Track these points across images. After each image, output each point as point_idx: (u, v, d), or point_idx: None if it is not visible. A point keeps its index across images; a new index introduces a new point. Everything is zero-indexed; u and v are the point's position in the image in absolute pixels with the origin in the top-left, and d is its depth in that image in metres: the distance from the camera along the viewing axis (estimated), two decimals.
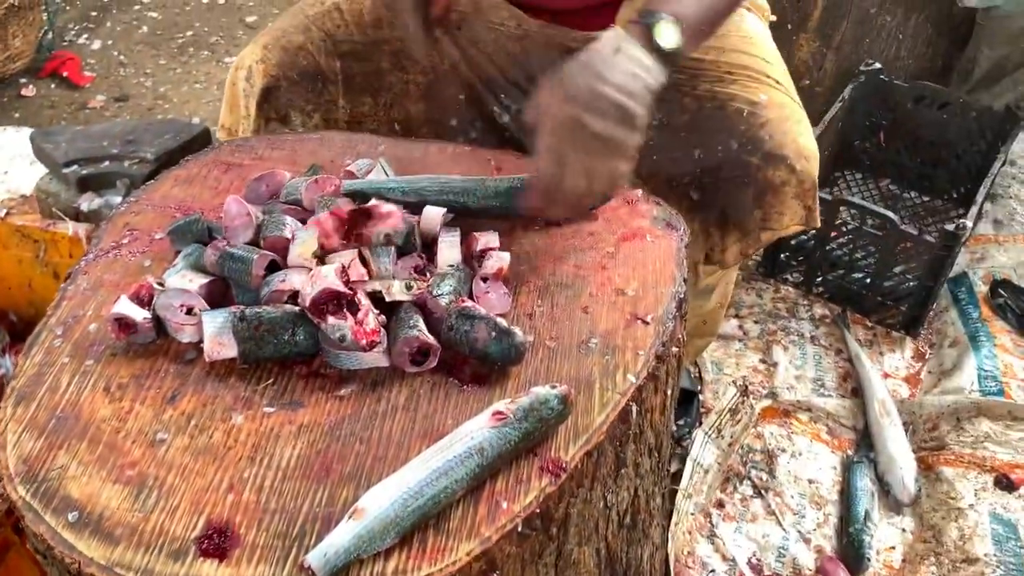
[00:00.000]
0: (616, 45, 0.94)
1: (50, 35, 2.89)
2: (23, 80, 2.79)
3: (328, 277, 0.86)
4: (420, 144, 1.24)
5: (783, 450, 1.62)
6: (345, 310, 0.87)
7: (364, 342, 0.86)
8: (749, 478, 1.57)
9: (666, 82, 0.96)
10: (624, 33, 0.95)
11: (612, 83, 0.92)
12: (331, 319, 0.86)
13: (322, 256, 0.94)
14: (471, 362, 0.90)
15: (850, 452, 1.64)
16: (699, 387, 1.72)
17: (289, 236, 0.95)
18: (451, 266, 0.98)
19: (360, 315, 0.87)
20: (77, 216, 1.53)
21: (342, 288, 0.86)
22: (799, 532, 1.50)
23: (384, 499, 0.75)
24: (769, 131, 1.18)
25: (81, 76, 2.82)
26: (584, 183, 0.95)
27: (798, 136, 1.19)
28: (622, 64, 0.93)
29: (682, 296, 0.99)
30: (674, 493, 1.46)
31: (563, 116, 0.93)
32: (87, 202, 1.52)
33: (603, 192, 1.01)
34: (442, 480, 0.77)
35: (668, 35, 0.94)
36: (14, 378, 0.90)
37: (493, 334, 0.87)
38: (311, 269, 0.92)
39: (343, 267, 0.89)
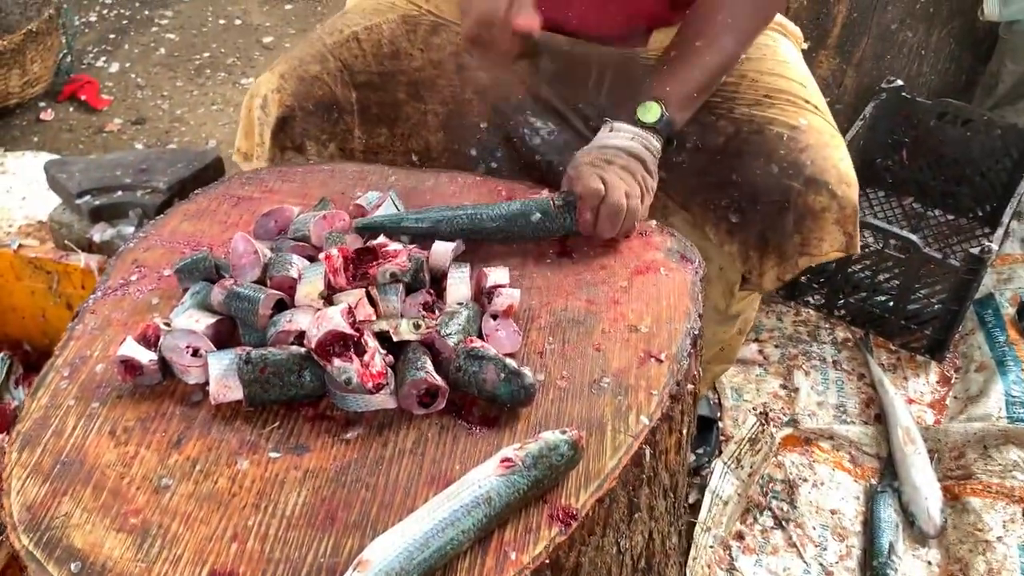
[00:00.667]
0: (609, 127, 1.14)
1: (68, 59, 2.91)
2: (42, 104, 2.81)
3: (334, 319, 0.85)
4: (431, 174, 1.23)
5: (804, 480, 1.59)
6: (351, 352, 0.85)
7: (370, 385, 0.85)
8: (770, 509, 1.54)
9: (660, 147, 1.13)
10: (612, 121, 1.14)
11: (614, 144, 1.11)
12: (337, 361, 0.85)
13: (329, 295, 0.93)
14: (480, 403, 0.88)
15: (874, 481, 1.60)
16: (718, 414, 1.69)
17: (295, 276, 0.94)
18: (460, 303, 0.96)
19: (366, 357, 0.86)
20: (90, 246, 1.54)
21: (348, 330, 0.85)
22: (821, 565, 1.46)
23: (389, 551, 0.73)
24: (810, 156, 1.17)
25: (99, 99, 2.84)
26: (623, 198, 1.05)
27: (839, 162, 1.18)
28: (618, 135, 1.12)
29: (697, 332, 0.97)
30: (692, 526, 1.43)
31: (590, 160, 1.10)
32: (99, 232, 1.53)
33: (637, 209, 1.07)
34: (449, 531, 0.75)
35: (647, 113, 1.12)
36: (20, 421, 0.89)
37: (502, 375, 0.86)
38: (318, 309, 0.90)
39: (349, 308, 0.87)
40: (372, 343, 0.88)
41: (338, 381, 0.85)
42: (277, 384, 0.87)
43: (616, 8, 1.26)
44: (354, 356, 0.85)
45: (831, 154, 1.18)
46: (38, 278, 1.47)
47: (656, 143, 1.12)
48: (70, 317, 1.01)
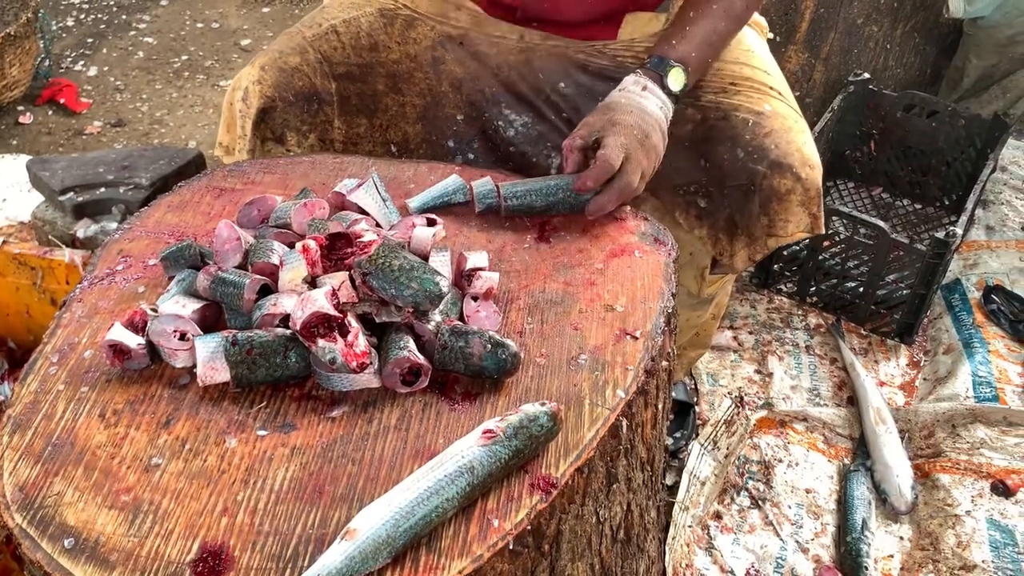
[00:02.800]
0: (643, 84, 1.17)
1: (47, 62, 2.91)
2: (20, 108, 2.81)
3: (318, 300, 0.87)
4: (411, 164, 1.25)
5: (780, 460, 1.63)
6: (335, 332, 0.88)
7: (354, 364, 0.87)
8: (746, 489, 1.58)
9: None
10: (645, 78, 1.18)
11: (651, 112, 1.15)
12: (321, 342, 0.87)
13: (313, 280, 0.95)
14: (462, 380, 0.91)
15: (847, 461, 1.64)
16: (695, 399, 1.73)
17: (276, 262, 0.96)
18: None
19: (350, 337, 0.88)
20: (73, 242, 1.55)
21: (332, 311, 0.87)
22: (797, 542, 1.50)
23: (376, 519, 0.76)
24: (774, 140, 1.21)
25: (78, 102, 2.85)
26: (637, 179, 1.11)
27: (802, 146, 1.22)
28: (652, 100, 1.16)
29: (671, 311, 1.01)
30: (670, 506, 1.46)
31: (631, 123, 1.13)
32: (83, 228, 1.54)
33: (639, 190, 1.13)
34: (433, 499, 0.77)
35: (677, 81, 1.18)
36: (10, 406, 0.90)
37: (488, 347, 0.89)
38: (302, 293, 0.93)
39: (333, 290, 0.90)
40: (355, 324, 0.90)
41: (323, 361, 0.88)
42: (263, 365, 0.89)
43: None
44: (338, 337, 0.88)
45: (795, 138, 1.22)
46: (22, 274, 1.48)
47: (671, 114, 1.18)
48: (54, 313, 1.02)
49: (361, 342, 0.89)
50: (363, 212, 1.09)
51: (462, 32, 1.34)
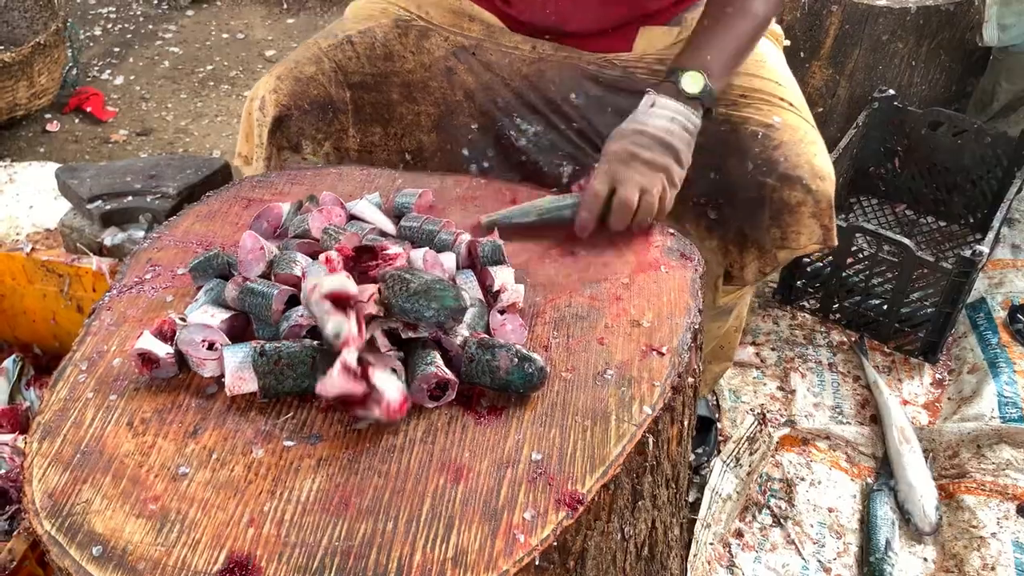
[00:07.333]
0: (651, 101, 1.14)
1: (74, 71, 2.95)
2: (48, 116, 2.85)
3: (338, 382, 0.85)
4: (436, 177, 1.26)
5: (802, 479, 1.61)
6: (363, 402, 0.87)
7: (398, 418, 0.87)
8: (768, 507, 1.56)
9: (700, 121, 1.15)
10: (655, 94, 1.14)
11: (652, 126, 1.12)
12: (360, 411, 0.86)
13: None
14: (487, 395, 0.91)
15: (870, 480, 1.63)
16: (717, 415, 1.72)
17: (299, 274, 0.96)
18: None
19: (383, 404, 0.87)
20: (101, 250, 1.56)
21: (357, 390, 0.85)
22: (819, 562, 1.49)
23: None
24: (784, 153, 1.20)
25: (104, 111, 2.88)
26: (636, 196, 1.09)
27: (813, 157, 1.21)
28: (659, 113, 1.13)
29: (697, 327, 1.00)
30: (692, 523, 1.45)
31: (616, 149, 1.12)
32: (110, 236, 1.55)
33: (653, 205, 1.10)
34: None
35: (692, 83, 1.13)
36: (39, 413, 0.91)
37: (515, 360, 0.88)
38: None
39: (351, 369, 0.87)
40: (382, 385, 0.86)
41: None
42: (291, 376, 0.89)
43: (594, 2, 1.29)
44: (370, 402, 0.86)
45: (805, 150, 1.21)
46: (50, 281, 1.49)
47: (696, 119, 1.13)
48: (80, 320, 1.03)
49: (394, 398, 0.86)
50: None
51: (475, 43, 1.36)
